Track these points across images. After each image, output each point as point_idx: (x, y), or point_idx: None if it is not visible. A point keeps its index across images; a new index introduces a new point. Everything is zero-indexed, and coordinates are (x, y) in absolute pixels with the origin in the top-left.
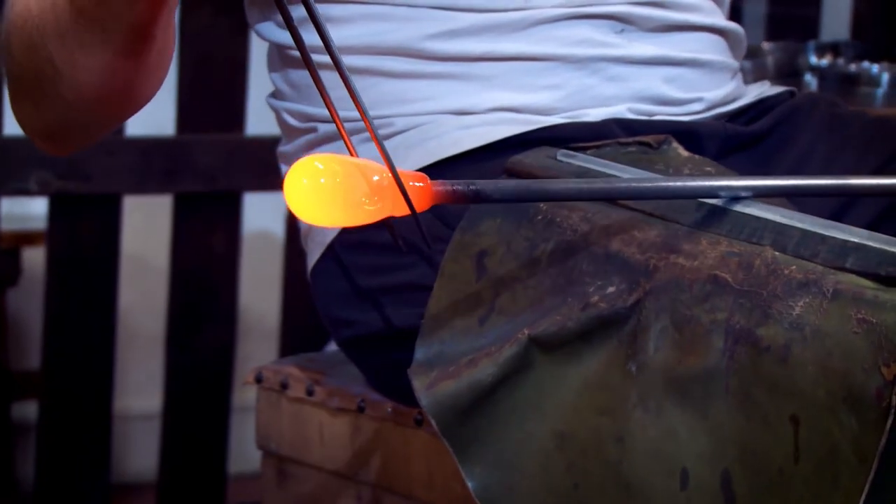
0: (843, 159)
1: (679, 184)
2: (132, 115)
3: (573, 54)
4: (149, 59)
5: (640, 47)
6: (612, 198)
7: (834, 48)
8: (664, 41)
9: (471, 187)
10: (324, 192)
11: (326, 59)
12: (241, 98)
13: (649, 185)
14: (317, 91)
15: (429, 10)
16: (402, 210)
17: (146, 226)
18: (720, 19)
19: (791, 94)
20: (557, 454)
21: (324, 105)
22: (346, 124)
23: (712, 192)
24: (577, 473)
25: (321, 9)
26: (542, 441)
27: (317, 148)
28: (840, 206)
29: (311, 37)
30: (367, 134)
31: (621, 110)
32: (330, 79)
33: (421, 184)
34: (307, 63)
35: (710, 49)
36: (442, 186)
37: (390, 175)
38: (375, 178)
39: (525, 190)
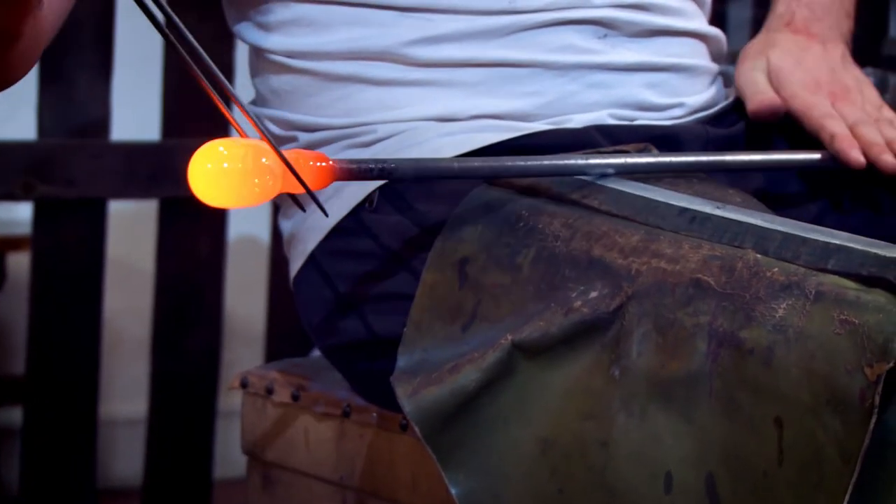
0: None
1: (555, 162)
2: None
3: (555, 61)
4: (19, 47)
5: (622, 53)
6: (501, 175)
7: None
8: (646, 46)
9: (371, 165)
10: (227, 176)
11: (313, 65)
12: (226, 102)
13: (531, 163)
14: (297, 97)
15: (411, 13)
16: (299, 188)
17: (131, 231)
18: (702, 24)
19: None
20: (542, 459)
21: (306, 112)
22: (329, 131)
23: (582, 170)
24: (561, 478)
25: (303, 10)
26: (526, 446)
27: None
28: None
29: (295, 40)
30: (349, 141)
31: (602, 116)
32: (314, 84)
33: (322, 163)
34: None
35: (691, 54)
36: (344, 164)
37: (292, 155)
38: (264, 160)
39: (427, 167)
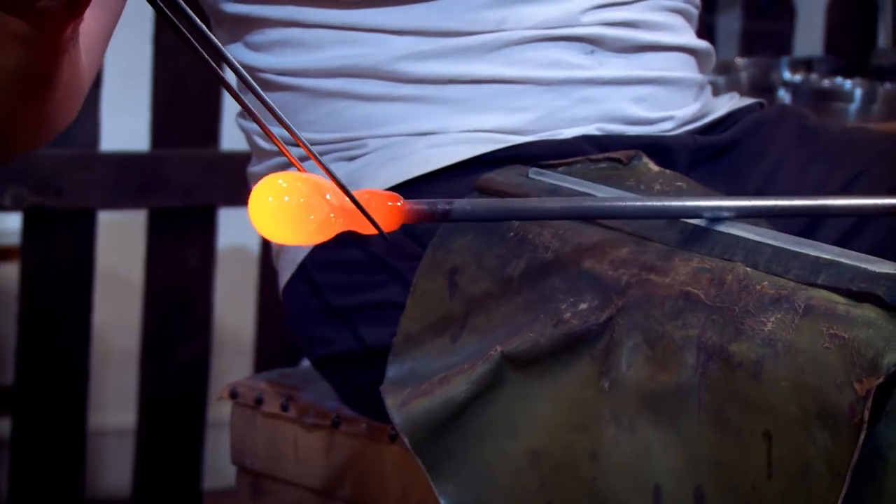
0: (814, 171)
1: (659, 203)
2: (47, 142)
3: (544, 77)
4: (57, 94)
5: (610, 68)
6: (590, 216)
7: (807, 64)
8: (634, 61)
9: (442, 206)
10: (289, 211)
11: (303, 82)
12: (215, 113)
13: (628, 204)
14: (286, 113)
15: (399, 35)
16: (369, 229)
17: (120, 241)
18: (691, 38)
19: (760, 105)
20: (531, 471)
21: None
22: (318, 146)
23: (695, 213)
24: (550, 490)
25: (293, 32)
26: (516, 458)
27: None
28: (808, 223)
29: (284, 59)
30: (337, 154)
31: (591, 130)
32: (304, 100)
33: (396, 203)
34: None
35: (679, 67)
36: (415, 205)
37: (365, 195)
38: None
39: (500, 209)
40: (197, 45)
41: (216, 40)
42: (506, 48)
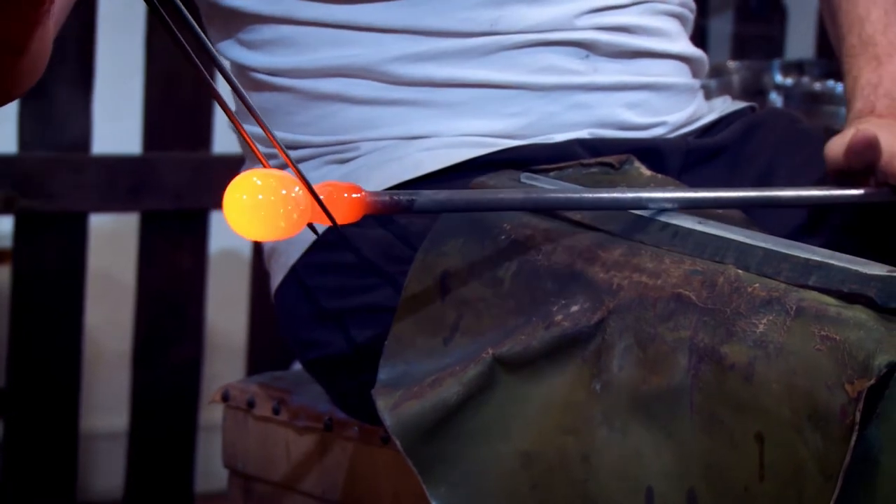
0: (805, 173)
1: (609, 195)
2: None
3: (537, 82)
4: (23, 64)
5: (604, 74)
6: (545, 208)
7: (799, 67)
8: (628, 66)
9: (405, 197)
10: (262, 208)
11: (297, 83)
12: (207, 116)
13: (583, 196)
14: (279, 115)
15: (393, 34)
16: (330, 220)
17: (112, 244)
18: (685, 45)
19: (752, 108)
20: (523, 473)
21: (288, 129)
22: (310, 149)
23: (640, 204)
24: (542, 493)
25: (287, 30)
26: (508, 460)
27: None
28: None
29: (279, 59)
30: (329, 157)
31: (583, 135)
32: (297, 102)
33: (356, 195)
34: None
35: (673, 73)
36: (376, 197)
37: (327, 188)
38: (295, 191)
39: (461, 200)
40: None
41: (209, 43)
42: (500, 52)
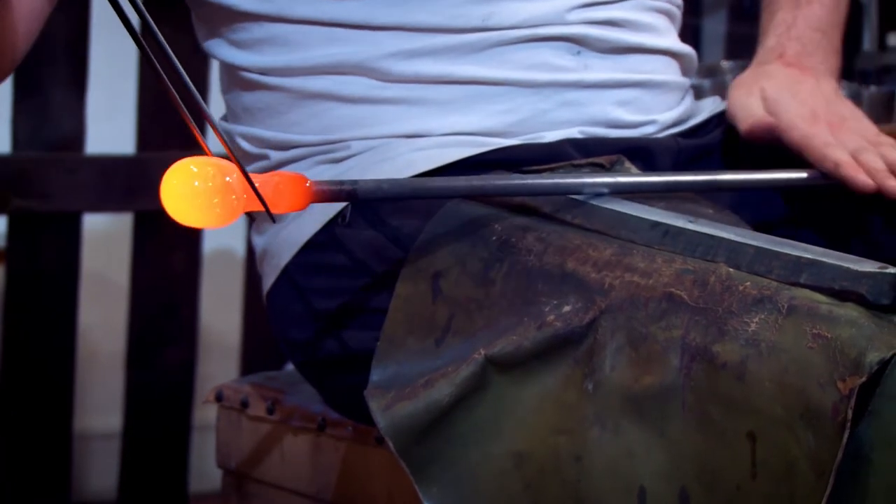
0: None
1: (546, 181)
2: None
3: (528, 79)
4: None
5: (595, 71)
6: (487, 194)
7: None
8: (619, 63)
9: (348, 185)
10: (199, 196)
11: (287, 81)
12: (201, 116)
13: (523, 182)
14: (270, 114)
15: (385, 31)
16: (274, 209)
17: (106, 244)
18: (674, 41)
19: None
20: (515, 474)
21: (279, 129)
22: (302, 149)
23: (576, 189)
24: (535, 493)
25: (277, 29)
26: (500, 461)
27: None
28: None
29: (269, 58)
30: (321, 157)
31: (573, 133)
32: (288, 101)
33: (303, 184)
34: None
35: (663, 70)
36: (321, 186)
37: (273, 178)
38: (232, 176)
39: (404, 188)
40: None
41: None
42: (492, 48)
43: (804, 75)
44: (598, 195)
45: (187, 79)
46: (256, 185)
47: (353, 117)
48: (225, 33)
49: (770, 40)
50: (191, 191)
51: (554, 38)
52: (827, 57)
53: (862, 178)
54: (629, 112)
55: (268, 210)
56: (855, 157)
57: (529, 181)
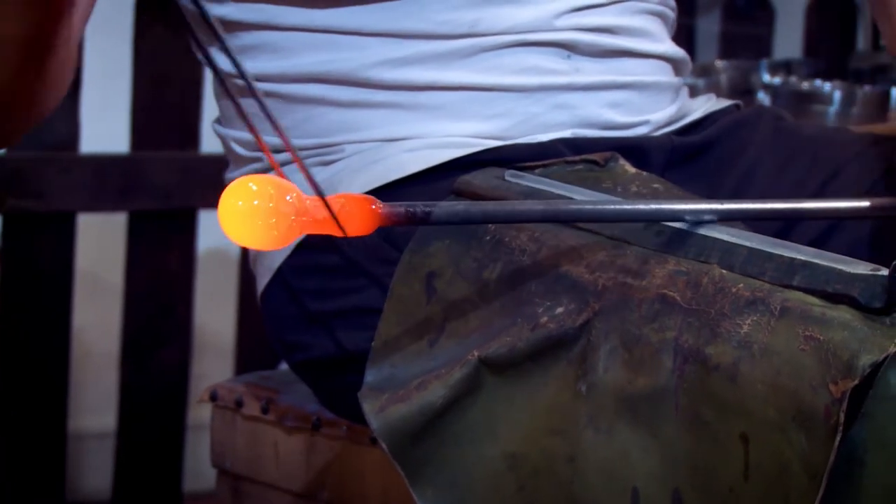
0: (789, 171)
1: (639, 207)
2: (30, 127)
3: (519, 83)
4: (49, 71)
5: (586, 74)
6: (570, 220)
7: (787, 66)
8: (610, 66)
9: (420, 209)
10: (258, 215)
11: (279, 87)
12: (195, 116)
13: (607, 207)
14: (264, 118)
15: (374, 37)
16: (345, 231)
17: (101, 244)
18: (668, 46)
19: (737, 106)
20: (509, 475)
21: (271, 133)
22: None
23: (677, 216)
24: (528, 494)
25: (267, 36)
26: (494, 462)
27: None
28: (783, 226)
29: (260, 64)
30: (312, 160)
31: (566, 135)
32: (280, 106)
33: (372, 206)
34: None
35: (656, 71)
36: (391, 209)
37: (339, 200)
38: (308, 201)
39: (478, 212)
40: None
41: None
42: (481, 54)
43: None
44: (702, 223)
45: (260, 96)
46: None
47: (345, 121)
48: (214, 42)
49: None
50: (249, 210)
51: (543, 43)
52: None
53: None
54: (621, 114)
55: (342, 229)
56: None
57: (620, 207)
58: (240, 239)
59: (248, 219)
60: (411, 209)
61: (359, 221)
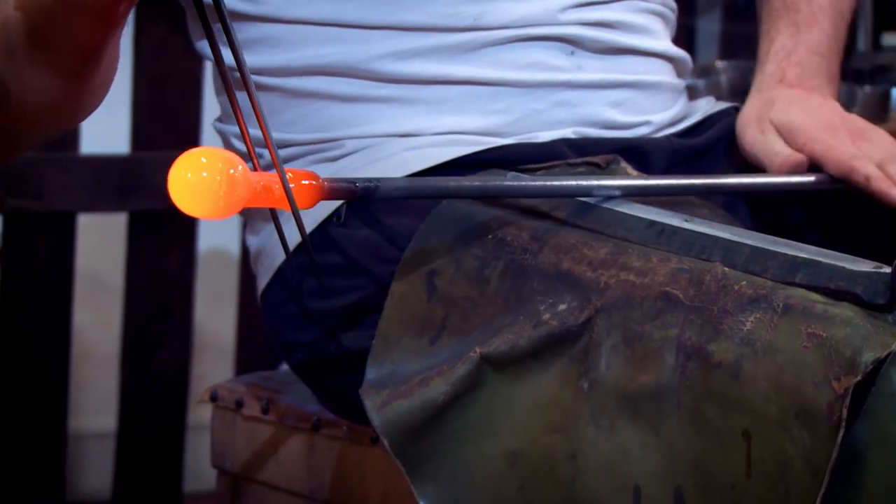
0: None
1: (558, 183)
2: (73, 126)
3: (522, 79)
4: (95, 77)
5: (589, 71)
6: (500, 195)
7: None
8: (613, 64)
9: (360, 184)
10: (208, 187)
11: (282, 81)
12: (195, 116)
13: (533, 183)
14: (267, 114)
15: (378, 30)
16: (285, 206)
17: (100, 244)
18: (669, 45)
19: (736, 109)
20: (510, 473)
21: (273, 128)
22: (296, 147)
23: (587, 191)
24: (529, 492)
25: (270, 29)
26: (495, 459)
27: None
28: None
29: (263, 58)
30: (315, 156)
31: (567, 134)
32: (282, 101)
33: (311, 182)
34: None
35: (657, 71)
36: (333, 183)
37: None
38: (256, 176)
39: (418, 187)
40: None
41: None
42: (485, 48)
43: (809, 93)
44: (610, 198)
45: (251, 87)
46: (263, 181)
47: (348, 116)
48: (218, 35)
49: (769, 66)
50: (197, 181)
51: (547, 38)
52: (829, 80)
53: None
54: (622, 113)
55: (294, 208)
56: (881, 169)
57: (542, 183)
58: (188, 209)
59: (197, 190)
60: (352, 183)
61: (304, 195)
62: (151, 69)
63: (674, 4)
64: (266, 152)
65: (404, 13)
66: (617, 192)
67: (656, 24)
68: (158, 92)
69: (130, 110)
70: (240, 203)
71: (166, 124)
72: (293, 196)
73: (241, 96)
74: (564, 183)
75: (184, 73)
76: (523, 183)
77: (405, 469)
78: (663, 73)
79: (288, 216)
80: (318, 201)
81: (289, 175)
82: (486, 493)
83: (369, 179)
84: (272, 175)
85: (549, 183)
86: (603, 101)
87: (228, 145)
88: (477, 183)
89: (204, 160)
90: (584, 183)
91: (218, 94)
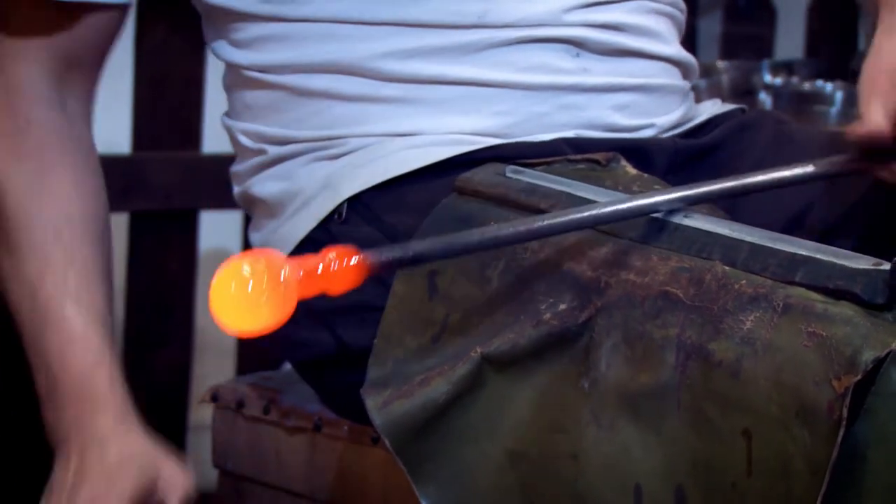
0: None
1: (616, 208)
2: None
3: (526, 81)
4: None
5: (594, 75)
6: (543, 235)
7: (788, 67)
8: (619, 67)
9: (400, 254)
10: (253, 297)
11: (287, 79)
12: (197, 116)
13: (577, 216)
14: (270, 111)
15: (383, 27)
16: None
17: None
18: (677, 49)
19: (742, 111)
20: (511, 472)
21: (279, 126)
22: (299, 144)
23: (652, 209)
24: (530, 491)
25: (276, 27)
26: (496, 459)
27: (266, 170)
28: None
29: (268, 55)
30: (317, 154)
31: (569, 135)
32: (288, 99)
33: (355, 260)
34: None
35: (663, 74)
36: (377, 256)
37: (316, 263)
38: (301, 272)
39: (458, 243)
40: None
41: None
42: (489, 49)
43: None
44: (673, 211)
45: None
46: (302, 273)
47: (351, 115)
48: (226, 34)
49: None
50: (242, 297)
51: (552, 39)
52: None
53: None
54: (626, 116)
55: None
56: None
57: (595, 211)
58: (237, 325)
59: (244, 306)
60: (397, 254)
61: (347, 276)
62: (152, 69)
63: (683, 5)
64: (269, 148)
65: (409, 9)
66: (680, 205)
67: (664, 26)
68: (159, 92)
69: (131, 110)
70: (290, 304)
71: (167, 124)
72: (342, 277)
73: (249, 94)
74: (622, 206)
75: (184, 73)
76: (571, 216)
77: (407, 469)
78: (669, 77)
79: (290, 214)
80: (363, 279)
81: (329, 259)
82: (487, 493)
83: (404, 247)
84: (312, 260)
85: (602, 211)
86: (607, 104)
87: (234, 140)
88: (522, 227)
89: (247, 270)
90: (644, 202)
91: (227, 91)
